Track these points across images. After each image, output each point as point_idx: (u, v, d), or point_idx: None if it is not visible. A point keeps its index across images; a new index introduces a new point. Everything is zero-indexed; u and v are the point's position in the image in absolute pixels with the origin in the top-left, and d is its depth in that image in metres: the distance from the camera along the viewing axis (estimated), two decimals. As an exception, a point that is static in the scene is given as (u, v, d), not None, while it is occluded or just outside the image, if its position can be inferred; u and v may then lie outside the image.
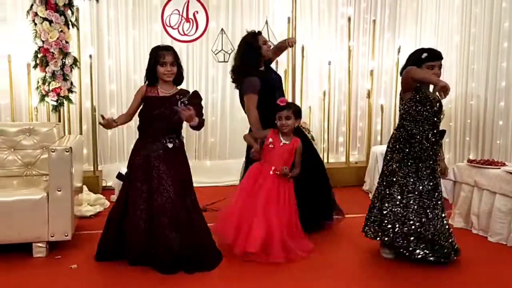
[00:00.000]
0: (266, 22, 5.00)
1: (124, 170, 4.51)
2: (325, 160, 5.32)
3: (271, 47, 3.72)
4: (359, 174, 5.17)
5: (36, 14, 4.04)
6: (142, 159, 2.88)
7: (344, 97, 5.46)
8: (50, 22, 4.05)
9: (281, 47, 3.82)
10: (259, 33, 3.55)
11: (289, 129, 3.15)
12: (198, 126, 2.89)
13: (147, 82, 2.97)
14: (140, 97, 2.95)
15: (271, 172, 3.11)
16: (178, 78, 2.96)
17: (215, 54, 5.01)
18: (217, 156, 5.31)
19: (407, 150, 2.99)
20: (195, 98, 2.94)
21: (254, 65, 3.44)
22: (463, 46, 4.60)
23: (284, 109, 3.14)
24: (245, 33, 5.13)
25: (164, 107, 2.85)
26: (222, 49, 4.97)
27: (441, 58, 3.01)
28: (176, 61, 2.91)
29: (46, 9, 4.02)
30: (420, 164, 2.99)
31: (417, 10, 5.33)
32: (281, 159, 3.14)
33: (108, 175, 4.83)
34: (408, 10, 5.42)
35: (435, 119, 2.99)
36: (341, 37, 5.41)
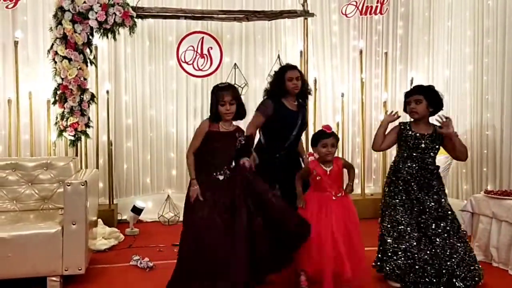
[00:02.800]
0: (278, 56, 5.10)
1: (139, 204, 4.60)
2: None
3: (299, 84, 3.55)
4: (375, 206, 5.07)
5: (56, 53, 4.19)
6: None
7: (358, 128, 5.46)
8: (70, 60, 4.19)
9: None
10: (290, 67, 3.57)
11: (332, 156, 3.13)
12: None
13: (210, 118, 3.02)
14: (203, 132, 3.00)
15: (333, 198, 3.08)
16: (238, 114, 3.03)
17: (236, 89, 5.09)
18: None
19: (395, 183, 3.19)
20: (251, 140, 3.15)
21: (278, 95, 3.48)
22: (477, 76, 4.60)
23: (330, 136, 3.09)
24: (257, 67, 5.30)
25: (224, 142, 2.98)
26: (235, 83, 5.05)
27: (415, 93, 3.14)
28: (235, 99, 2.97)
29: (66, 48, 4.17)
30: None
31: (429, 42, 5.38)
32: (335, 184, 3.13)
33: (123, 209, 4.87)
34: (419, 42, 5.48)
35: (414, 154, 3.13)
36: (353, 70, 5.47)
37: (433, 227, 3.08)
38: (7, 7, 4.67)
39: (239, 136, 3.02)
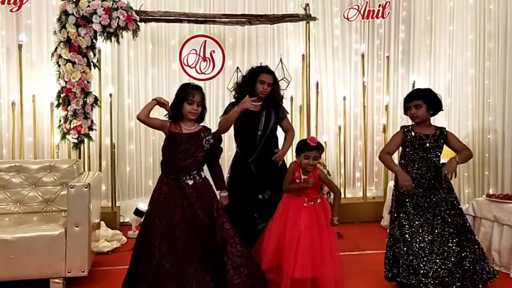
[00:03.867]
0: (281, 60, 5.12)
1: (141, 206, 4.61)
2: (342, 195, 5.29)
3: (268, 90, 3.56)
4: (377, 210, 5.11)
5: (60, 56, 4.22)
6: (163, 196, 2.89)
7: (360, 132, 5.48)
8: (73, 63, 4.22)
9: None
10: (266, 71, 3.55)
11: (313, 169, 3.13)
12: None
13: (169, 118, 2.97)
14: (161, 125, 2.95)
15: (305, 204, 3.10)
16: (200, 118, 2.99)
17: (231, 91, 5.11)
18: (233, 192, 5.32)
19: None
20: (217, 138, 3.00)
21: (243, 94, 3.45)
22: (478, 80, 4.61)
23: (314, 150, 3.09)
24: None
25: (189, 144, 2.88)
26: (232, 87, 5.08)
27: (413, 99, 3.17)
28: (203, 101, 2.93)
29: (69, 51, 4.20)
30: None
31: (431, 46, 5.39)
32: (309, 191, 3.12)
33: (126, 211, 4.89)
34: (421, 46, 5.49)
35: (421, 154, 3.15)
36: (355, 73, 5.49)
37: (446, 228, 3.07)
38: (11, 10, 4.70)
39: (206, 136, 2.92)
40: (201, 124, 3.01)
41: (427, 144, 3.15)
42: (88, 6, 4.17)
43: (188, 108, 2.87)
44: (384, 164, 3.39)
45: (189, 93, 2.89)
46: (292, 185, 3.16)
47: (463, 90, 4.83)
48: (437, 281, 2.96)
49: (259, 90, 3.47)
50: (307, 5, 4.87)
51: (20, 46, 4.62)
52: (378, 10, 5.48)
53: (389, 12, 5.51)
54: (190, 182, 2.87)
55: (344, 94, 5.39)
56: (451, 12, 5.04)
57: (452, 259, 3.00)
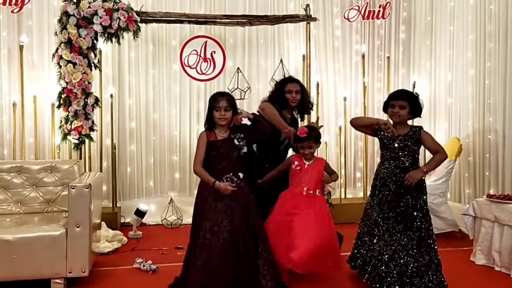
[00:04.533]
0: (281, 61, 5.13)
1: (142, 207, 4.62)
2: (343, 196, 5.31)
3: (298, 98, 3.61)
4: (378, 210, 5.09)
5: (61, 57, 4.23)
6: (201, 200, 2.97)
7: (360, 132, 5.46)
8: (74, 64, 4.23)
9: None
10: (291, 80, 3.64)
11: (311, 155, 3.24)
12: (261, 127, 3.07)
13: (206, 128, 3.04)
14: (204, 144, 2.99)
15: (304, 193, 3.16)
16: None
17: (232, 92, 5.13)
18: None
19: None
20: (247, 126, 3.05)
21: (279, 105, 3.54)
22: (479, 80, 4.61)
23: (305, 140, 3.21)
24: (260, 71, 5.33)
25: (222, 148, 2.96)
26: (238, 87, 5.09)
27: (400, 98, 3.19)
28: (231, 106, 2.97)
29: (70, 52, 4.21)
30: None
31: (431, 46, 5.39)
32: (311, 179, 3.19)
33: (126, 212, 4.90)
34: (422, 46, 5.49)
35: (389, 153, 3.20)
36: (355, 74, 5.50)
37: (400, 229, 3.09)
38: (12, 11, 4.71)
39: (235, 136, 2.98)
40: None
41: (395, 144, 3.15)
42: (89, 7, 4.18)
43: (216, 115, 2.96)
44: (358, 124, 3.40)
45: (214, 100, 2.99)
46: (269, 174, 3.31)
47: (464, 91, 4.83)
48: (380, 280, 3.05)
49: (289, 100, 3.56)
50: (308, 5, 4.88)
51: (21, 47, 4.63)
52: (379, 11, 5.48)
53: (389, 13, 5.51)
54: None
55: (344, 94, 5.39)
56: (451, 13, 5.04)
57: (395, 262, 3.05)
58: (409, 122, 3.36)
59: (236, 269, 2.82)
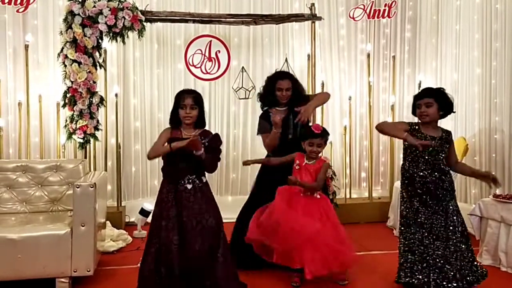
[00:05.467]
0: (286, 60, 5.11)
1: (147, 206, 4.62)
2: (348, 196, 5.29)
3: (288, 95, 3.61)
4: (383, 210, 5.08)
5: (66, 56, 4.24)
6: (162, 198, 2.93)
7: (365, 132, 5.46)
8: (79, 63, 4.23)
9: None
10: (281, 77, 3.63)
11: (317, 154, 3.21)
12: (207, 163, 2.90)
13: (171, 126, 3.00)
14: (165, 139, 2.95)
15: (301, 194, 3.14)
16: (199, 121, 2.96)
17: (236, 92, 5.13)
18: (238, 192, 5.32)
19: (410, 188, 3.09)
20: (214, 141, 2.96)
21: (269, 104, 3.59)
22: (485, 80, 4.58)
23: (319, 137, 3.16)
24: (265, 70, 5.32)
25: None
26: (242, 87, 5.09)
27: (425, 96, 3.06)
28: (197, 105, 2.91)
29: (75, 52, 4.22)
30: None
31: (437, 45, 5.36)
32: (306, 179, 3.16)
33: (131, 211, 4.90)
34: (427, 45, 5.46)
35: (426, 157, 3.04)
36: (361, 73, 5.48)
37: (443, 231, 3.04)
38: (18, 11, 4.72)
39: (204, 139, 2.88)
40: (204, 128, 3.01)
41: (432, 149, 3.02)
42: (94, 6, 4.19)
43: (181, 113, 2.90)
44: (385, 132, 3.24)
45: (181, 98, 2.91)
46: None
47: (470, 90, 4.80)
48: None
49: (279, 98, 3.57)
50: (313, 4, 4.86)
51: (26, 47, 4.64)
52: (384, 10, 5.46)
53: (395, 12, 5.49)
54: (189, 186, 2.88)
55: (349, 94, 5.37)
56: (457, 12, 5.02)
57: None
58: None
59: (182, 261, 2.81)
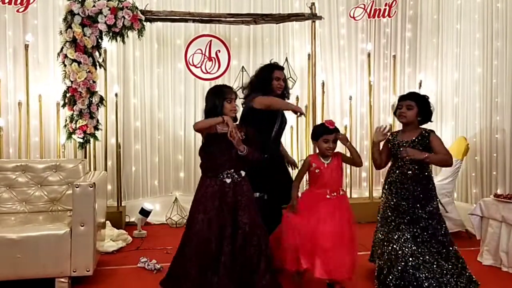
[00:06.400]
0: (286, 59, 5.10)
1: (147, 206, 4.62)
2: (348, 195, 5.26)
3: (283, 85, 3.62)
4: (383, 210, 5.06)
5: (66, 56, 4.23)
6: (201, 194, 2.96)
7: (366, 131, 5.45)
8: (79, 63, 4.23)
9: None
10: (278, 67, 3.63)
11: (332, 150, 3.10)
12: (252, 158, 2.95)
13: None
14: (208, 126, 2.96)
15: (328, 196, 3.06)
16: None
17: (236, 91, 5.10)
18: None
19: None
20: (251, 133, 3.02)
21: (263, 92, 3.51)
22: (486, 79, 4.57)
23: (333, 132, 3.07)
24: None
25: (224, 142, 2.89)
26: (243, 86, 5.06)
27: (408, 98, 3.14)
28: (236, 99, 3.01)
29: (75, 51, 4.21)
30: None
31: (438, 44, 5.35)
32: (332, 179, 3.09)
33: (131, 211, 4.89)
34: (428, 45, 5.45)
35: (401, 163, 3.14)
36: (361, 73, 5.47)
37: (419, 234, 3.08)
38: (18, 11, 4.72)
39: (240, 132, 2.93)
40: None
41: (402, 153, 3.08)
42: (94, 6, 4.18)
43: (228, 106, 2.94)
44: (375, 160, 3.29)
45: (227, 92, 2.97)
46: (293, 194, 3.14)
47: (471, 89, 4.79)
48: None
49: (275, 87, 3.53)
50: (313, 4, 4.85)
51: (26, 46, 4.64)
52: (385, 9, 5.45)
53: (395, 11, 5.48)
54: (228, 181, 2.92)
55: (350, 93, 5.37)
56: (458, 11, 5.00)
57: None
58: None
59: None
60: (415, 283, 2.91)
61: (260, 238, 2.92)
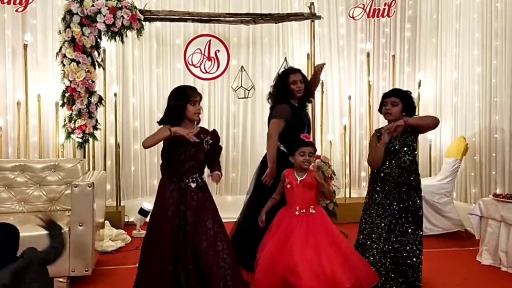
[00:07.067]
0: (285, 59, 5.10)
1: (146, 206, 4.61)
2: (347, 195, 5.27)
3: (303, 87, 3.56)
4: (383, 209, 5.06)
5: (64, 55, 4.23)
6: (166, 198, 2.88)
7: (365, 131, 5.45)
8: (78, 63, 4.23)
9: (315, 74, 3.86)
10: (293, 71, 3.61)
11: (309, 164, 3.06)
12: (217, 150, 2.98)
13: (168, 123, 2.87)
14: (166, 135, 2.82)
15: (296, 213, 2.99)
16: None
17: (235, 91, 5.12)
18: (238, 192, 5.31)
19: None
20: (216, 138, 2.97)
21: (284, 100, 3.50)
22: (485, 79, 4.56)
23: (309, 145, 3.06)
24: (264, 70, 5.31)
25: (190, 145, 2.81)
26: (242, 86, 5.08)
27: (392, 95, 3.18)
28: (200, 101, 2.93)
29: (74, 51, 4.21)
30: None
31: (437, 44, 5.35)
32: (303, 197, 3.03)
33: (130, 211, 4.89)
34: (427, 45, 5.45)
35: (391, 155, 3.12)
36: (360, 72, 5.47)
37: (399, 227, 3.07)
38: (17, 10, 4.72)
39: (205, 137, 2.88)
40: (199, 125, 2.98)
41: (397, 146, 3.09)
42: (93, 5, 4.18)
43: (192, 109, 2.84)
44: (376, 160, 3.21)
45: (191, 94, 2.86)
46: (267, 204, 3.14)
47: (470, 89, 4.79)
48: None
49: (294, 91, 3.49)
50: (312, 4, 4.85)
51: (25, 46, 4.63)
52: (384, 9, 5.44)
53: (394, 11, 5.48)
54: (193, 185, 2.85)
55: (349, 93, 5.36)
56: (457, 11, 5.00)
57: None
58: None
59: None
60: None
61: (224, 243, 2.86)
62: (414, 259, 3.02)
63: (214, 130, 3.02)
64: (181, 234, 2.79)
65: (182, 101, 2.83)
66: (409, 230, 3.05)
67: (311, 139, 3.14)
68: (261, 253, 2.96)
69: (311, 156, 3.06)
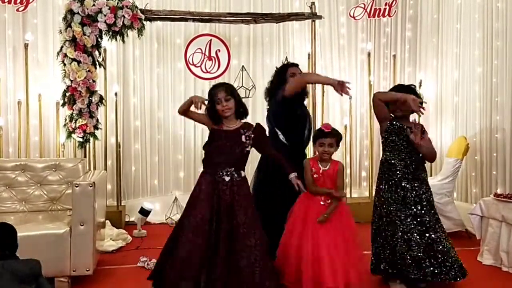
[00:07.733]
0: (286, 59, 5.09)
1: (146, 205, 4.61)
2: (348, 195, 5.27)
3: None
4: (383, 209, 5.06)
5: (65, 55, 4.23)
6: (199, 189, 2.93)
7: (366, 131, 5.45)
8: (79, 62, 4.23)
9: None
10: (291, 65, 3.62)
11: (329, 156, 3.06)
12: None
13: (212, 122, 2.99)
14: (207, 122, 2.98)
15: (322, 203, 3.01)
16: (240, 112, 2.97)
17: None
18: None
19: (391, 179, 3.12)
20: (256, 131, 2.98)
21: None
22: (486, 78, 4.56)
23: (329, 136, 3.02)
24: (265, 69, 5.31)
25: (226, 140, 2.90)
26: (242, 86, 5.07)
27: (404, 91, 3.21)
28: (231, 95, 2.92)
29: (75, 50, 4.21)
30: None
31: (438, 44, 5.34)
32: (326, 187, 3.03)
33: (131, 210, 4.89)
34: (428, 44, 5.44)
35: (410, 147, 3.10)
36: (361, 72, 5.46)
37: (427, 218, 3.09)
38: (17, 10, 4.72)
39: (245, 132, 2.92)
40: (245, 118, 3.02)
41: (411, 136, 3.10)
42: (94, 5, 4.18)
43: (218, 107, 2.91)
44: (383, 99, 3.20)
45: (213, 94, 2.94)
46: (320, 189, 3.04)
47: (471, 89, 4.78)
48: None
49: None
50: (313, 3, 4.85)
51: (26, 45, 4.63)
52: (385, 9, 5.44)
53: (395, 11, 5.47)
54: (227, 179, 2.89)
55: (350, 93, 5.34)
56: (458, 10, 4.99)
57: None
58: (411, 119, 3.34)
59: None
60: None
61: (257, 240, 2.87)
62: None
63: (257, 123, 3.03)
64: (213, 223, 2.83)
65: (212, 102, 2.93)
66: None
67: (331, 128, 3.05)
68: (288, 240, 2.97)
69: (332, 147, 3.03)
